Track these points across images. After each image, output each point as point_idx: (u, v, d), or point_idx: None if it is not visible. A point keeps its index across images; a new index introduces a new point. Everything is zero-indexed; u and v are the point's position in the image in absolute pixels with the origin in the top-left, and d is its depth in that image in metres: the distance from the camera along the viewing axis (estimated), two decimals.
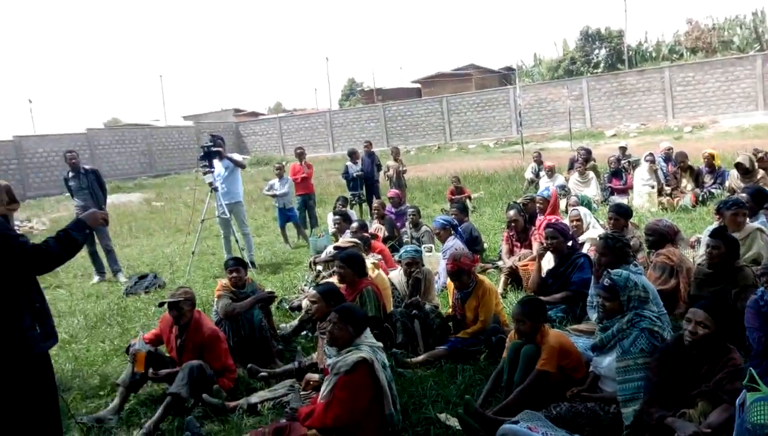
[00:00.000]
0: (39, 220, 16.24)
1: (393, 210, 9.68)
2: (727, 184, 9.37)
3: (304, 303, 5.81)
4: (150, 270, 8.61)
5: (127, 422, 4.17)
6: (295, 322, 5.74)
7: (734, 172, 8.80)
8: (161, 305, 4.69)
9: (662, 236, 5.18)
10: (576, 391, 3.70)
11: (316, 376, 4.33)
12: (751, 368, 3.29)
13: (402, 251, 6.02)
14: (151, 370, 4.40)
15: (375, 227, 8.79)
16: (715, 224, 5.56)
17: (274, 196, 10.44)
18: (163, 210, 16.39)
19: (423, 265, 5.89)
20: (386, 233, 8.64)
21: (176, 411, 4.10)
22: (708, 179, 10.02)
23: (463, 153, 26.02)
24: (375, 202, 9.78)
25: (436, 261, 7.04)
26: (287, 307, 6.36)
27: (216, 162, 8.47)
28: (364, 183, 11.85)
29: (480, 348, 4.70)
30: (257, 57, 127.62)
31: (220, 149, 8.45)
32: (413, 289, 5.57)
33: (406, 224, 8.68)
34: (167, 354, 4.68)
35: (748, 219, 5.39)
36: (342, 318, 3.71)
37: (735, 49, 33.12)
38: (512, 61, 45.61)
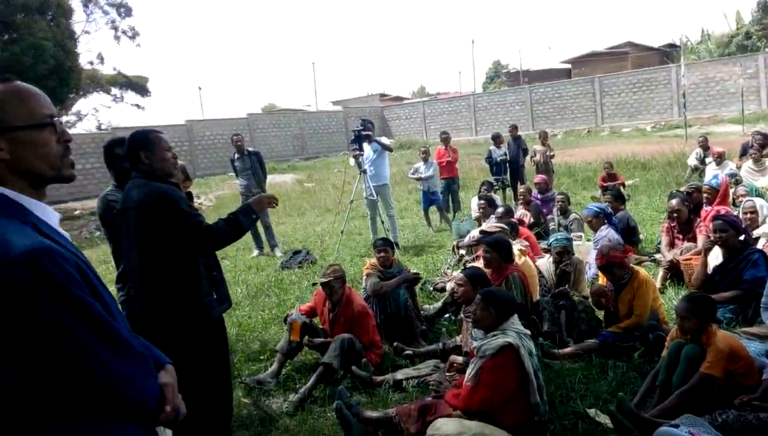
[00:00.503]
0: (206, 197, 17.92)
1: (539, 196, 9.41)
2: None
3: (449, 286, 5.85)
4: (303, 247, 9.16)
5: (284, 386, 4.50)
6: (439, 304, 5.81)
7: None
8: (314, 284, 4.98)
9: None
10: (746, 399, 3.37)
11: (459, 358, 4.36)
12: None
13: (552, 238, 5.85)
14: (306, 338, 4.71)
15: (520, 213, 8.59)
16: None
17: (419, 179, 10.58)
18: (313, 191, 17.31)
19: (573, 254, 5.69)
20: (532, 220, 8.42)
21: (327, 380, 4.35)
22: None
23: (615, 137, 24.45)
24: (521, 188, 9.56)
25: (586, 250, 6.74)
26: (431, 289, 6.45)
27: (365, 145, 8.77)
28: (508, 168, 11.61)
29: (634, 344, 4.43)
30: (403, 42, 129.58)
31: (369, 133, 8.73)
32: (560, 279, 5.39)
33: (554, 210, 8.39)
34: (320, 326, 4.97)
35: None
36: (486, 301, 3.71)
37: None
38: (675, 38, 41.76)
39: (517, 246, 5.77)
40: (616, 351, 4.44)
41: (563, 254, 5.49)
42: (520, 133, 12.27)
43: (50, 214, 1.49)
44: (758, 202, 6.32)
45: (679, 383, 3.52)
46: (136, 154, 2.96)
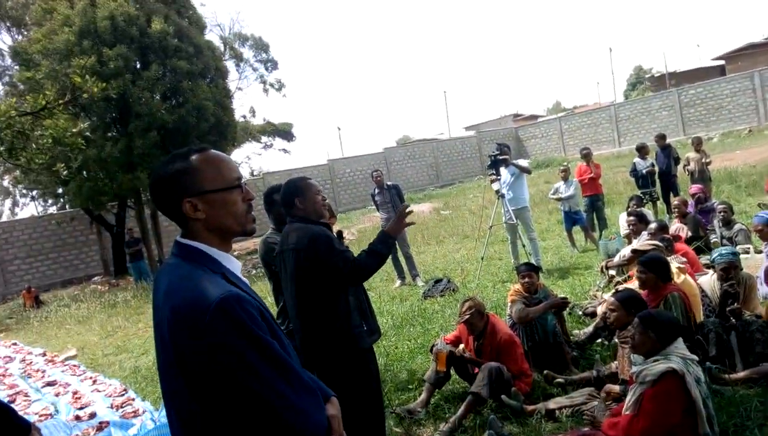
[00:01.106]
0: (348, 231, 18.69)
1: (697, 207, 8.68)
2: None
3: (599, 309, 5.57)
4: (443, 275, 9.22)
5: (434, 415, 4.53)
6: (590, 329, 5.54)
7: None
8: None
9: None
10: None
11: (617, 387, 4.12)
12: None
13: (715, 253, 5.36)
14: (461, 347, 4.73)
15: (676, 227, 7.98)
16: None
17: (559, 199, 10.25)
18: (450, 218, 17.38)
19: (741, 269, 5.16)
20: (690, 234, 7.78)
21: (477, 410, 4.31)
22: None
23: None
24: (675, 200, 8.87)
25: (755, 264, 6.09)
26: (580, 313, 6.18)
27: (502, 169, 8.71)
28: (657, 180, 10.85)
29: None
30: (535, 59, 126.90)
31: (506, 157, 8.68)
32: (724, 297, 4.90)
33: (715, 222, 7.69)
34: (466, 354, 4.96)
35: None
36: (645, 325, 3.50)
37: None
38: None
39: (674, 263, 5.37)
40: None
41: (729, 269, 5.00)
42: (670, 140, 11.42)
43: (234, 264, 1.72)
44: None
45: None
46: (291, 200, 3.29)
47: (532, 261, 7.91)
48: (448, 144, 33.99)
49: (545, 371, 4.71)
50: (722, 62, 37.14)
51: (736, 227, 7.44)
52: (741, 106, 26.42)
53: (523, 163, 9.12)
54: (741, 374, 4.15)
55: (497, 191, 8.62)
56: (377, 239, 3.25)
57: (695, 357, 3.51)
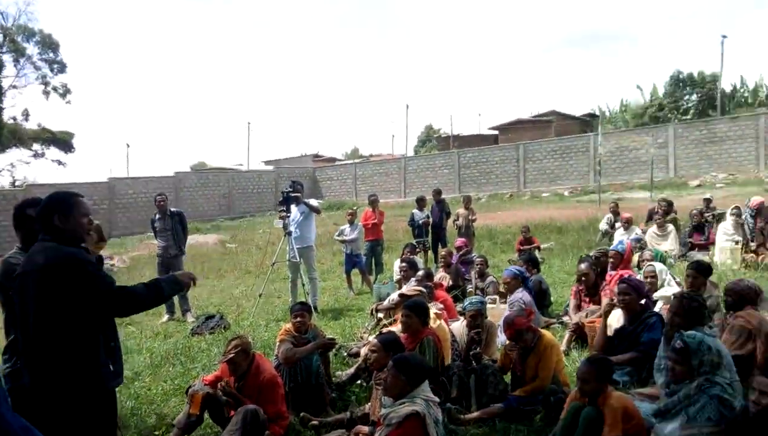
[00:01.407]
0: (120, 257, 17.21)
1: (459, 259, 9.60)
2: None
3: (363, 351, 5.78)
4: (217, 311, 8.87)
5: None
6: (352, 370, 5.71)
7: None
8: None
9: (742, 297, 4.81)
10: None
11: (366, 428, 4.26)
12: None
13: (467, 302, 5.91)
14: (222, 382, 4.51)
15: (440, 275, 8.71)
16: None
17: (343, 241, 10.59)
18: (235, 252, 16.97)
19: (486, 317, 5.76)
20: (451, 282, 8.54)
21: None
22: None
23: (536, 201, 25.51)
24: (442, 251, 9.71)
25: (500, 314, 6.85)
26: (345, 354, 6.35)
27: (293, 207, 8.75)
28: (430, 231, 11.83)
29: (537, 408, 4.49)
30: (340, 104, 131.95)
31: (298, 195, 8.74)
32: (470, 343, 5.43)
33: (472, 273, 8.55)
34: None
35: None
36: (398, 368, 3.69)
37: None
38: (596, 107, 44.69)
39: (432, 309, 5.81)
40: (520, 415, 4.47)
41: (477, 317, 5.55)
42: (447, 196, 12.59)
43: None
44: (658, 266, 6.67)
45: None
46: (50, 216, 2.91)
47: (309, 301, 8.01)
48: (245, 176, 33.46)
49: (302, 414, 4.71)
50: (497, 132, 42.38)
51: (488, 279, 8.36)
52: (506, 172, 30.29)
53: (314, 202, 9.30)
54: (473, 415, 4.57)
55: (284, 228, 8.63)
56: (166, 277, 3.12)
57: (437, 399, 3.79)
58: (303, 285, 8.66)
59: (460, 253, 9.80)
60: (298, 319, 5.39)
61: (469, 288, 8.48)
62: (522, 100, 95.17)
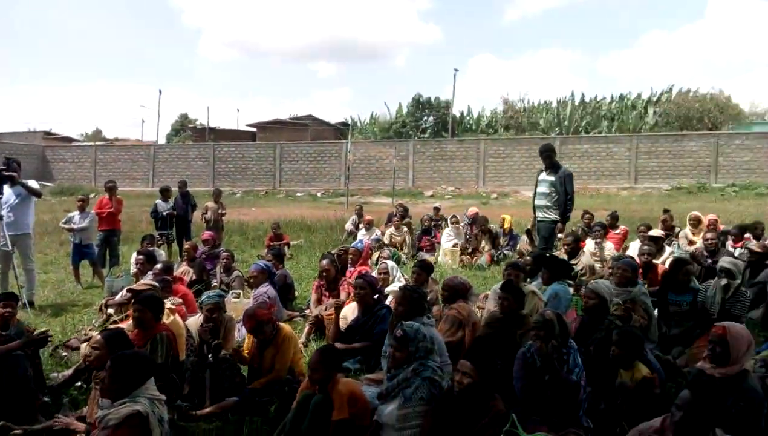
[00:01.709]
0: None
1: (206, 253, 9.29)
2: (518, 247, 10.42)
3: (84, 349, 5.21)
4: None
5: None
6: (70, 371, 5.10)
7: (524, 238, 9.83)
8: None
9: (455, 292, 5.50)
10: None
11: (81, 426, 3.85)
12: (513, 414, 3.58)
13: (204, 295, 5.71)
14: None
15: (183, 269, 8.33)
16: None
17: (71, 230, 9.44)
18: None
19: (225, 311, 5.64)
20: (194, 277, 8.22)
21: None
22: (503, 242, 11.05)
23: (290, 200, 26.05)
24: (186, 244, 9.29)
25: (243, 308, 6.79)
26: (63, 354, 5.65)
27: (6, 188, 7.50)
28: (174, 223, 11.26)
29: (272, 399, 4.54)
30: (80, 80, 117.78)
31: (13, 174, 7.50)
32: (203, 335, 5.25)
33: (218, 268, 8.35)
34: None
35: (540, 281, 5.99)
36: (116, 367, 3.38)
37: (540, 130, 37.61)
38: (350, 117, 47.27)
39: (167, 304, 5.50)
40: (256, 407, 4.47)
41: (214, 310, 5.39)
42: (200, 189, 12.13)
43: None
44: (390, 264, 7.30)
45: (307, 432, 3.68)
46: None
47: (24, 295, 6.97)
48: None
49: (2, 422, 4.06)
50: (255, 130, 42.16)
51: (234, 273, 8.23)
52: (263, 170, 30.35)
53: (33, 184, 8.08)
54: (206, 410, 4.43)
55: None
56: None
57: (163, 397, 3.57)
58: (16, 277, 7.50)
59: (207, 247, 9.49)
60: (8, 309, 4.67)
61: (214, 283, 8.25)
62: (281, 101, 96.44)
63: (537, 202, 8.40)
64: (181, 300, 6.22)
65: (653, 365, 4.25)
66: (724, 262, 5.87)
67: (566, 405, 3.85)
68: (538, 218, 8.38)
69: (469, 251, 10.79)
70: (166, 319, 5.11)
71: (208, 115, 75.18)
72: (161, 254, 9.38)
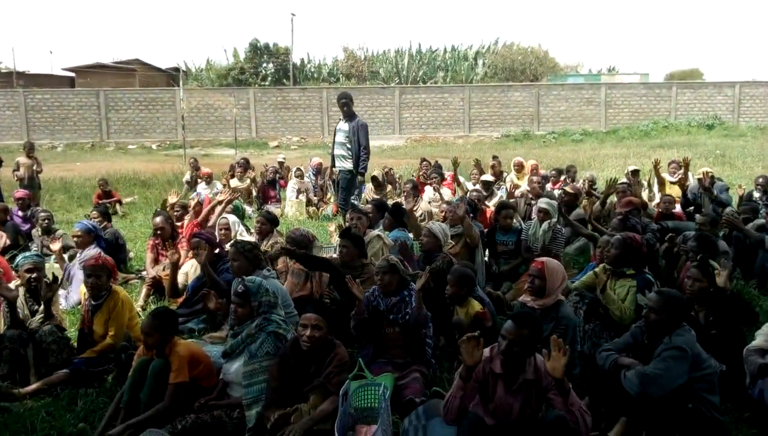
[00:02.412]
0: None
1: (21, 214, 8.32)
2: (363, 195, 10.64)
3: None
4: None
5: None
6: None
7: (369, 185, 10.05)
8: None
9: (298, 244, 5.48)
10: (204, 401, 3.63)
11: None
12: (360, 358, 3.72)
13: (20, 257, 5.13)
14: None
15: None
16: None
17: None
18: None
19: (45, 275, 5.12)
20: (8, 242, 7.36)
21: None
22: None
23: (121, 153, 24.05)
24: None
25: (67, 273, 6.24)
26: None
27: None
28: None
29: (108, 368, 4.28)
30: None
31: None
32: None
33: (33, 231, 7.55)
34: None
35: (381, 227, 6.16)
36: None
37: (380, 79, 38.15)
38: (181, 62, 44.12)
39: None
40: (89, 378, 4.19)
41: (33, 271, 4.86)
42: (11, 142, 10.70)
43: None
44: (231, 218, 7.06)
45: (148, 399, 3.52)
46: None
47: None
48: None
49: None
50: (73, 75, 37.91)
51: (60, 232, 7.51)
52: (86, 120, 27.52)
53: None
54: (31, 387, 4.07)
55: None
56: None
57: None
58: None
59: (22, 206, 8.49)
60: None
61: (34, 248, 7.43)
62: (101, 43, 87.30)
63: (335, 151, 8.53)
64: None
65: (483, 300, 4.64)
66: (541, 202, 6.51)
67: (410, 346, 4.09)
68: (336, 167, 8.53)
69: (315, 202, 10.82)
70: None
71: (14, 57, 66.09)
72: None
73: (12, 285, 4.93)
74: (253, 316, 3.77)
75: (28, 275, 4.73)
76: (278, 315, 3.85)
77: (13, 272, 5.77)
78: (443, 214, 7.02)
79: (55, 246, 6.37)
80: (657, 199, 8.39)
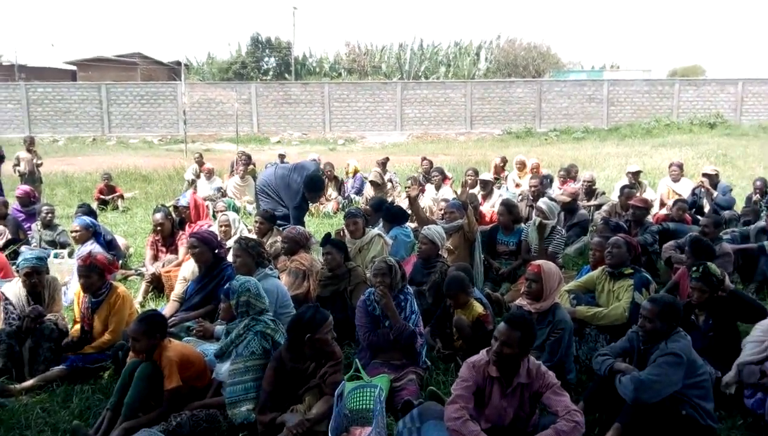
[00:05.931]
0: None
1: (21, 209, 8.34)
2: (364, 192, 10.64)
3: None
4: None
5: None
6: None
7: (369, 185, 10.05)
8: None
9: (296, 243, 5.50)
10: (198, 404, 3.65)
11: None
12: (357, 360, 3.73)
13: (20, 258, 5.14)
14: None
15: None
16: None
17: None
18: None
19: (48, 273, 5.13)
20: (9, 237, 7.38)
21: None
22: (350, 187, 11.22)
23: (122, 147, 24.02)
24: None
25: (68, 269, 6.26)
26: None
27: None
28: None
29: (104, 364, 4.29)
30: None
31: None
32: (36, 301, 4.78)
33: (33, 225, 7.57)
34: None
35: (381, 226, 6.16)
36: None
37: (382, 75, 37.97)
38: (183, 56, 44.02)
39: None
40: (86, 375, 4.21)
41: (32, 274, 4.87)
42: (13, 136, 10.70)
43: None
44: (231, 216, 7.07)
45: (133, 402, 3.48)
46: None
47: None
48: None
49: None
50: (74, 68, 37.86)
51: (60, 229, 7.53)
52: (88, 114, 27.48)
53: None
54: (27, 383, 4.09)
55: None
56: None
57: None
58: None
59: (23, 203, 8.49)
60: None
61: (34, 243, 7.46)
62: (102, 36, 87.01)
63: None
64: None
65: (482, 301, 4.64)
66: (540, 203, 6.50)
67: (405, 349, 4.10)
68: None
69: None
70: None
71: (15, 50, 65.90)
72: None
73: (12, 283, 4.96)
74: (234, 313, 3.82)
75: (26, 279, 4.71)
76: (267, 315, 3.85)
77: (13, 269, 5.81)
78: (443, 212, 7.02)
79: None
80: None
